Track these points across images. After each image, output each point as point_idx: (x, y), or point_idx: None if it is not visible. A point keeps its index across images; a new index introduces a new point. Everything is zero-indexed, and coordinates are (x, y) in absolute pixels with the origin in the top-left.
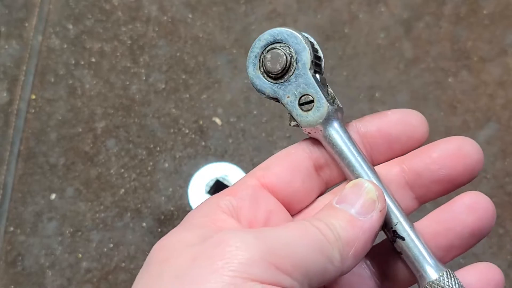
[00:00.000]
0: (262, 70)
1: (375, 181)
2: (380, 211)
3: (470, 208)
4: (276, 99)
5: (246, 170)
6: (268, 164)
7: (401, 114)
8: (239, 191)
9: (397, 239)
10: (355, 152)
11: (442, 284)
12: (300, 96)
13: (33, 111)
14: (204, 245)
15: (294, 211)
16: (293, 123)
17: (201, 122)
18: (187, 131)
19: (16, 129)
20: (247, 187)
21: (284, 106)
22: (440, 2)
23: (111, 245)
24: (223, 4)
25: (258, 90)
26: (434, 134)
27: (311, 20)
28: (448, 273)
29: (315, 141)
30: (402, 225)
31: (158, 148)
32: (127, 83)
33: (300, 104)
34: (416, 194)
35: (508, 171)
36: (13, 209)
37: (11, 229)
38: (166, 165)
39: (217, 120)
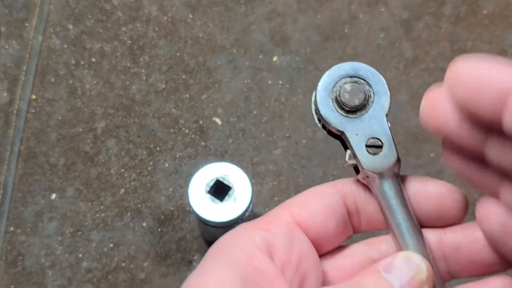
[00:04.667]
0: (332, 98)
1: (421, 250)
2: None
3: None
4: (339, 134)
5: (246, 170)
6: (303, 200)
7: (440, 189)
8: (274, 226)
9: None
10: (406, 214)
11: None
12: (369, 137)
13: (33, 111)
14: None
15: (321, 252)
16: (350, 161)
17: (201, 122)
18: (187, 131)
19: (16, 129)
20: (282, 224)
21: (346, 142)
22: (440, 2)
23: (111, 245)
24: (223, 4)
25: (324, 118)
26: None
27: (311, 20)
28: None
29: (349, 184)
30: None
31: (158, 148)
32: (127, 83)
33: (367, 146)
34: (450, 269)
35: None
36: (13, 209)
37: (11, 229)
38: (166, 165)
39: (217, 120)
